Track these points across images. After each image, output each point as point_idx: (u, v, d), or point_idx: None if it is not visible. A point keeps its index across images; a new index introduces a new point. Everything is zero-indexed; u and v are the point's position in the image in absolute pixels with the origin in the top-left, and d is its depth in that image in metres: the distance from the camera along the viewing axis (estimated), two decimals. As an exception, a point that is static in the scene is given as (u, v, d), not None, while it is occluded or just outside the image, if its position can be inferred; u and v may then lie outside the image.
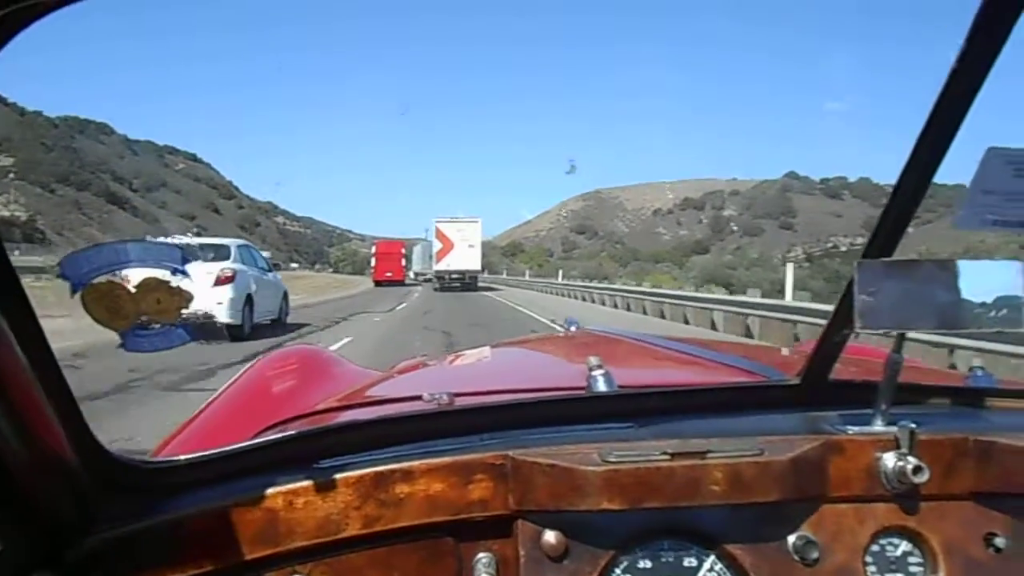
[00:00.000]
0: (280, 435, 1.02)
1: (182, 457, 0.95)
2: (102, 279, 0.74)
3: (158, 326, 0.78)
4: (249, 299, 13.01)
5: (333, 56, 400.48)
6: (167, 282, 0.77)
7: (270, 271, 15.87)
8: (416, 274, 62.97)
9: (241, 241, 15.60)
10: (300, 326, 15.95)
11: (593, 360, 1.21)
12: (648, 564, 0.96)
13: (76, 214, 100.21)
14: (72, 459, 0.79)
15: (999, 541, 0.99)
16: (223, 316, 11.90)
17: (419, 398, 1.22)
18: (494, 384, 1.51)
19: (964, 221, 0.94)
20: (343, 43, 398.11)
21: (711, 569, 0.97)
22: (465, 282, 46.39)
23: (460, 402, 1.18)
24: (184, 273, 0.77)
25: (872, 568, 0.99)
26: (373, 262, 54.61)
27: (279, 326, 14.87)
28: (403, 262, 57.07)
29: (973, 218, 0.94)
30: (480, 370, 2.14)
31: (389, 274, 53.30)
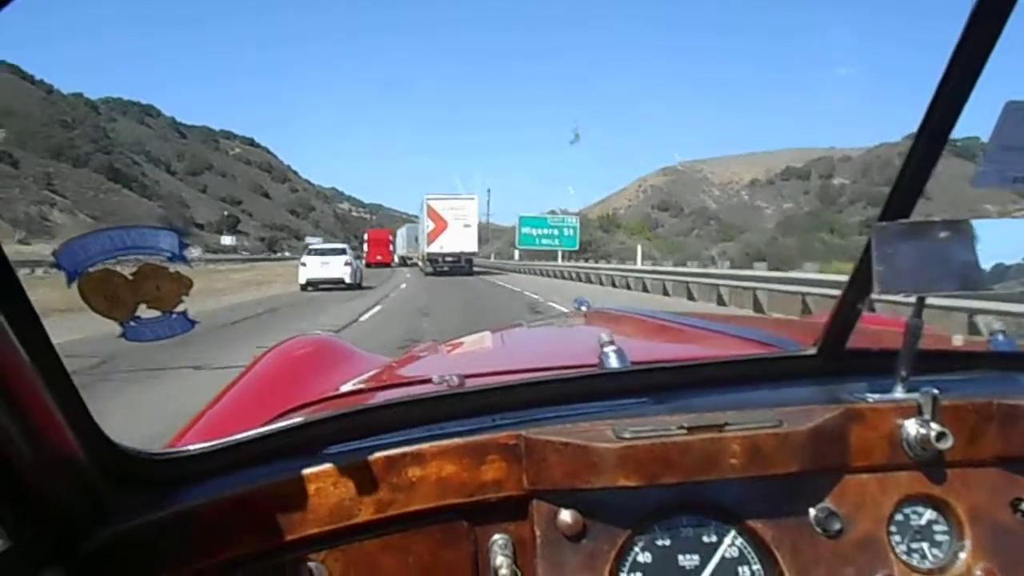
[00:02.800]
0: (290, 422, 1.00)
1: (192, 448, 0.94)
2: (99, 268, 0.71)
3: (160, 314, 0.76)
4: (355, 271, 28.21)
5: (415, 37, 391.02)
6: (166, 268, 0.74)
7: (358, 259, 32.82)
8: (401, 258, 62.87)
9: (346, 245, 32.68)
10: (370, 287, 28.56)
11: (604, 336, 1.18)
12: (667, 541, 0.95)
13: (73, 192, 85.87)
14: (79, 454, 0.78)
15: None
16: (348, 279, 26.98)
17: (429, 381, 1.20)
18: (505, 365, 1.48)
19: (984, 178, 0.91)
20: (424, 24, 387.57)
21: (731, 544, 0.95)
22: (460, 265, 43.22)
23: (471, 383, 1.15)
24: (183, 259, 0.75)
25: (896, 538, 0.97)
26: (366, 248, 58.46)
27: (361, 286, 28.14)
28: (391, 247, 63.92)
29: (993, 175, 0.91)
30: (491, 352, 2.10)
31: (379, 257, 59.20)
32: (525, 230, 53.66)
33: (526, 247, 54.68)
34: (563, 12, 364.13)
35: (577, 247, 52.83)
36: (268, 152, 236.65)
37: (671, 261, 36.37)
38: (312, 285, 26.46)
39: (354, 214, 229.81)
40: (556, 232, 52.84)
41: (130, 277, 0.73)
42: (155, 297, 0.74)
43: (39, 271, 17.26)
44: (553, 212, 58.55)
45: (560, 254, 50.68)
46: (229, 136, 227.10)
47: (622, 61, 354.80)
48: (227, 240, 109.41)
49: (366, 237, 66.61)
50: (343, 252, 28.97)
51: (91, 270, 0.71)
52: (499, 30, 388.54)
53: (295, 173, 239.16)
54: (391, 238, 67.67)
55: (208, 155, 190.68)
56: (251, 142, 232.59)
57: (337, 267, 27.26)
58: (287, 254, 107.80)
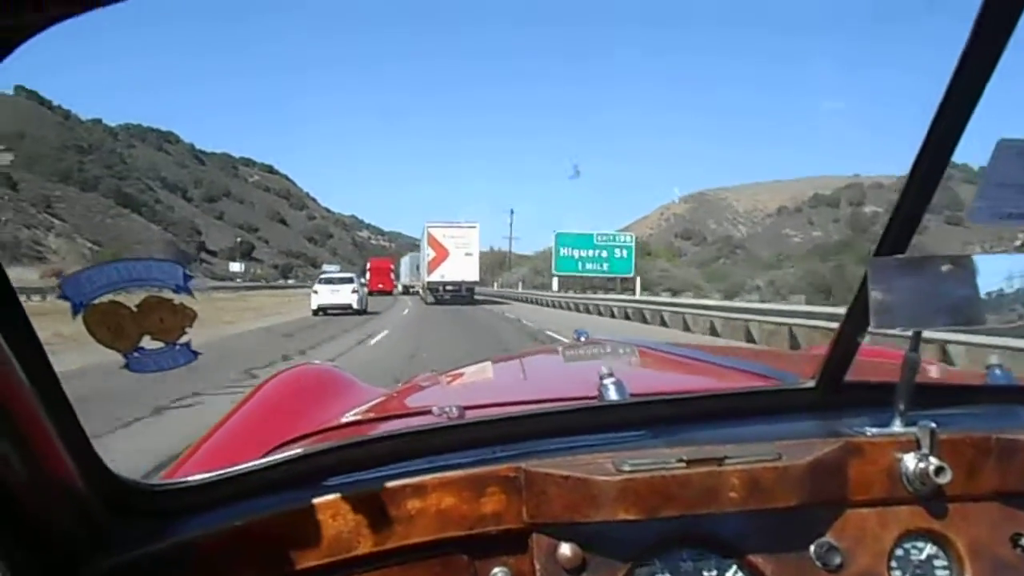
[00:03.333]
0: (289, 454, 0.99)
1: (191, 479, 0.94)
2: (104, 299, 0.72)
3: (163, 345, 0.76)
4: (361, 299, 30.69)
5: (438, 63, 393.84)
6: (170, 300, 0.75)
7: (363, 287, 35.00)
8: (405, 287, 62.95)
9: (353, 275, 35.00)
10: (376, 312, 30.71)
11: (604, 369, 1.18)
12: (667, 575, 0.94)
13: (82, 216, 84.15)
14: (79, 484, 0.78)
15: None
16: (355, 305, 29.21)
17: (429, 412, 1.20)
18: (504, 396, 1.48)
19: (978, 215, 0.92)
20: (447, 51, 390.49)
21: None
22: (461, 294, 42.30)
23: (470, 415, 1.15)
24: (188, 291, 0.76)
25: (897, 573, 0.96)
26: (367, 276, 57.92)
27: (366, 311, 30.20)
28: (392, 276, 64.81)
29: (987, 211, 0.92)
30: (490, 383, 2.11)
31: (380, 286, 59.11)
32: (564, 251, 44.19)
33: (566, 273, 44.75)
34: (581, 43, 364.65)
35: (632, 273, 43.16)
36: (287, 179, 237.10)
37: (720, 292, 33.81)
38: (323, 311, 28.84)
39: (373, 242, 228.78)
40: (604, 254, 43.79)
41: (135, 309, 0.74)
42: (159, 328, 0.75)
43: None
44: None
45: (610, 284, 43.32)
46: (249, 163, 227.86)
47: (639, 88, 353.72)
48: (236, 267, 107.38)
49: (368, 266, 67.12)
50: (351, 281, 31.84)
51: (96, 302, 0.71)
52: (525, 56, 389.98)
53: (314, 200, 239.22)
54: (392, 267, 68.90)
55: (226, 182, 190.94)
56: (270, 169, 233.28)
57: (346, 294, 29.86)
58: (290, 281, 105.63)
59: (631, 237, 47.79)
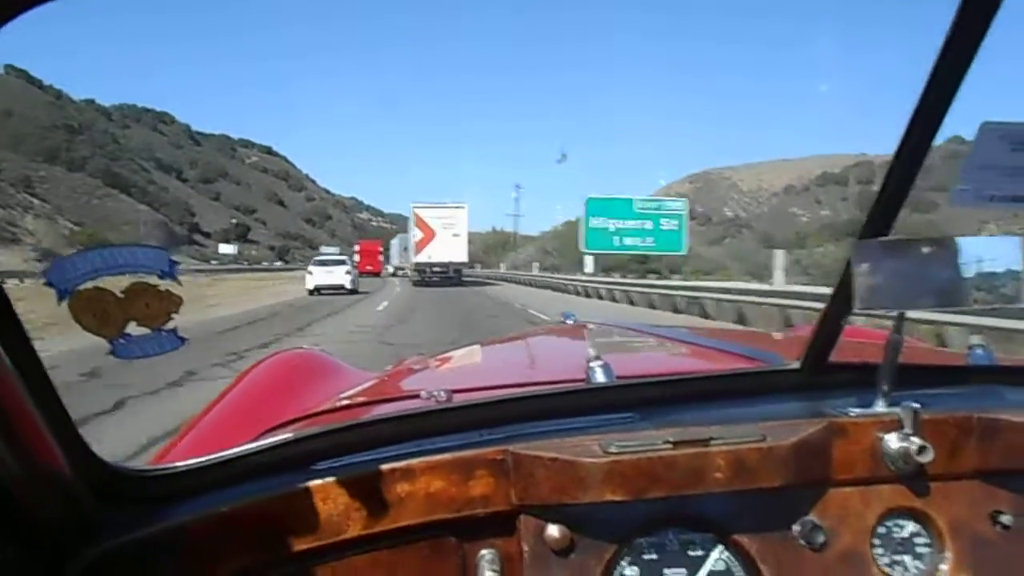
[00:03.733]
0: (277, 438, 1.00)
1: (179, 464, 0.94)
2: (89, 285, 0.72)
3: (149, 331, 0.76)
4: (354, 279, 32.47)
5: (441, 45, 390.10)
6: (155, 286, 0.75)
7: (356, 268, 37.08)
8: (395, 268, 61.75)
9: (346, 257, 37.13)
10: (366, 293, 31.34)
11: (591, 351, 1.20)
12: (654, 555, 0.95)
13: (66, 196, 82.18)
14: (67, 471, 0.78)
15: (1006, 519, 0.99)
16: (348, 285, 30.82)
17: (417, 396, 1.21)
18: (492, 379, 1.49)
19: (961, 197, 0.93)
20: (452, 33, 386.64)
21: (718, 558, 0.96)
22: (449, 276, 41.82)
23: (458, 398, 1.16)
24: (173, 276, 0.76)
25: (879, 550, 0.98)
26: (357, 259, 56.77)
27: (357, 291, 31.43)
28: (380, 258, 66.02)
29: (970, 194, 0.93)
30: (478, 366, 2.12)
31: (369, 267, 59.82)
32: (596, 222, 33.94)
33: (599, 251, 34.70)
34: (581, 26, 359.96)
35: (684, 250, 35.54)
36: (286, 161, 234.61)
37: (744, 274, 31.48)
38: (318, 291, 30.18)
39: (373, 223, 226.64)
40: (648, 225, 34.21)
41: (120, 295, 0.73)
42: (145, 314, 0.75)
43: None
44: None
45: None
46: (247, 144, 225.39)
47: (638, 71, 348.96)
48: (227, 249, 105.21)
49: (357, 248, 67.54)
50: (344, 263, 33.39)
51: (81, 288, 0.71)
52: (526, 40, 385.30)
53: (313, 182, 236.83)
54: (380, 249, 69.07)
55: (223, 163, 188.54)
56: (269, 151, 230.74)
57: (339, 275, 31.41)
58: (276, 264, 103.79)
59: (683, 203, 37.57)
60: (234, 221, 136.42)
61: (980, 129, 0.90)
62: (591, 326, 2.48)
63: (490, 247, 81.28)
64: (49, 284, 0.70)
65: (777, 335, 2.62)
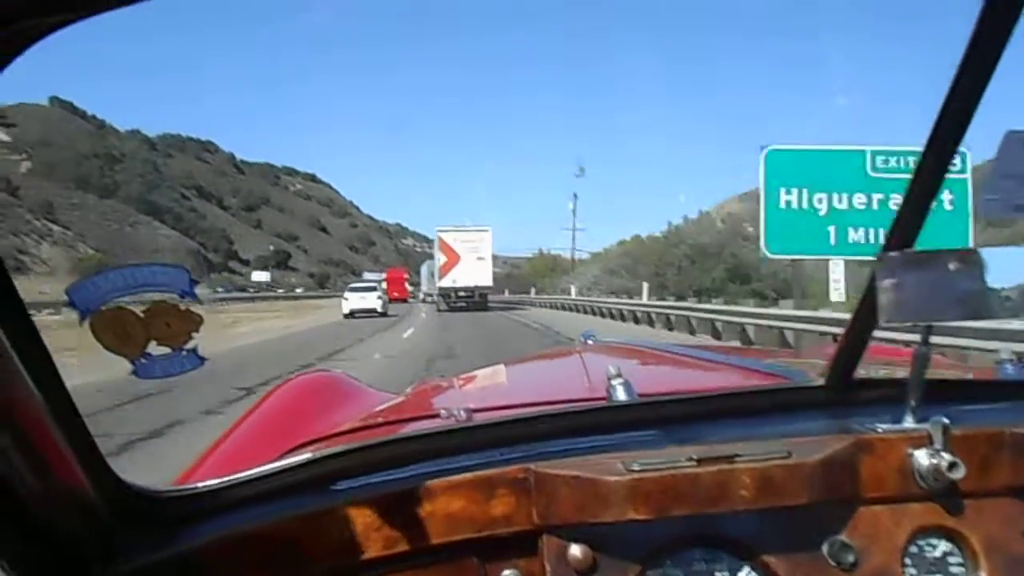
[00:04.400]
0: (298, 458, 0.99)
1: (200, 485, 0.94)
2: (111, 306, 0.72)
3: (170, 351, 0.76)
4: (384, 304, 36.63)
5: (486, 70, 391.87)
6: (176, 306, 0.75)
7: (386, 293, 41.08)
8: (425, 294, 61.99)
9: (377, 284, 43.69)
10: (396, 315, 35.09)
11: (612, 369, 1.19)
12: (679, 575, 0.94)
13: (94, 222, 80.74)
14: (88, 491, 0.78)
15: None
16: (380, 309, 35.19)
17: (437, 416, 1.20)
18: (512, 398, 1.50)
19: (987, 208, 0.92)
20: (497, 57, 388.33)
21: None
22: (475, 301, 41.41)
23: (479, 417, 1.15)
24: (194, 296, 0.76)
25: (911, 570, 0.95)
26: (385, 286, 58.72)
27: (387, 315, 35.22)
28: (406, 285, 68.02)
29: (996, 204, 0.92)
30: (498, 386, 2.11)
31: (396, 294, 60.88)
32: (787, 198, 14.22)
33: (796, 255, 15.62)
34: (598, 50, 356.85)
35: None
36: (330, 188, 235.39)
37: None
38: (353, 315, 34.08)
39: (418, 249, 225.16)
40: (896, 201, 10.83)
41: (141, 315, 0.74)
42: (166, 334, 0.75)
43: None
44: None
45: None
46: (291, 172, 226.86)
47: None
48: (260, 276, 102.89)
49: (384, 276, 70.52)
50: (375, 289, 37.95)
51: (103, 308, 0.72)
52: (562, 64, 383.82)
53: (356, 208, 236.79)
54: (406, 277, 71.55)
55: (267, 190, 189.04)
56: (313, 178, 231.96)
57: (372, 301, 35.81)
58: (298, 291, 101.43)
59: (965, 153, 12.73)
60: (272, 248, 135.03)
61: (1004, 138, 0.88)
62: (612, 345, 2.48)
63: (537, 272, 75.00)
64: (71, 305, 0.70)
65: (800, 352, 2.62)
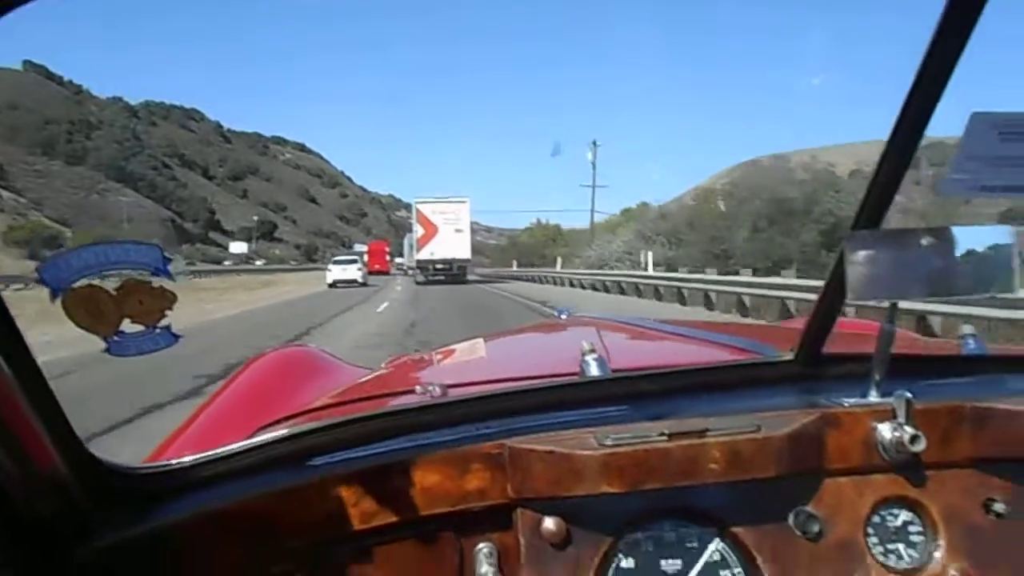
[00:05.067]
0: (272, 435, 1.00)
1: (175, 461, 0.94)
2: (83, 283, 0.71)
3: (143, 328, 0.76)
4: (364, 275, 40.50)
5: (482, 42, 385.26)
6: (149, 283, 0.74)
7: (365, 266, 44.65)
8: (405, 267, 60.68)
9: (357, 257, 46.98)
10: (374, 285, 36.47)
11: (585, 345, 1.20)
12: (650, 547, 0.96)
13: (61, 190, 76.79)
14: (62, 470, 0.78)
15: (999, 507, 0.99)
16: (360, 279, 38.59)
17: (412, 392, 1.21)
18: (487, 374, 1.51)
19: (948, 187, 0.94)
20: (504, 29, 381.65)
21: (714, 549, 0.97)
22: (453, 273, 40.32)
23: (453, 393, 1.17)
24: (167, 273, 0.75)
25: (873, 539, 0.99)
26: (366, 258, 58.83)
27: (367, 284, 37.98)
28: (387, 257, 67.56)
29: (958, 184, 0.93)
30: (472, 361, 2.11)
31: (377, 266, 61.76)
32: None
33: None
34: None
35: None
36: (320, 158, 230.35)
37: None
38: (336, 284, 37.25)
39: (411, 221, 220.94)
40: None
41: (114, 292, 0.73)
42: (139, 312, 0.74)
43: None
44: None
45: None
46: (280, 142, 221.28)
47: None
48: (238, 248, 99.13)
49: (366, 248, 70.58)
50: (356, 262, 41.44)
51: (75, 286, 0.71)
52: (573, 34, 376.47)
53: (348, 179, 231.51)
54: (387, 249, 70.66)
55: (255, 160, 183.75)
56: (303, 148, 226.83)
57: (352, 272, 39.07)
58: (288, 263, 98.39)
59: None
60: (255, 218, 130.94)
61: (970, 119, 0.90)
62: (585, 320, 2.49)
63: (536, 246, 65.58)
64: (42, 282, 0.69)
65: (771, 326, 2.69)
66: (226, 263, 79.72)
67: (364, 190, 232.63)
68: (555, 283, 37.78)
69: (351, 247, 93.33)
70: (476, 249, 56.91)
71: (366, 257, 61.05)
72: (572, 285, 34.47)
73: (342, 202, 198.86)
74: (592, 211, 52.99)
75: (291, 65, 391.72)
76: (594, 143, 53.62)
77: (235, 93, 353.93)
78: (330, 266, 40.34)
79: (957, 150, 0.91)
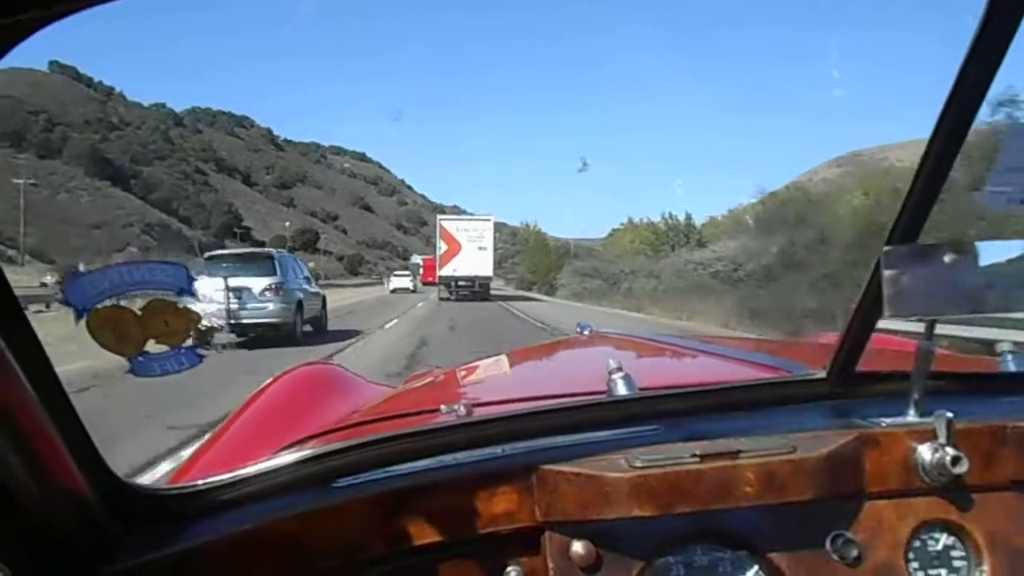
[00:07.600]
0: (298, 455, 0.98)
1: (199, 482, 0.93)
2: (107, 303, 0.71)
3: (168, 349, 0.76)
4: (416, 285, 60.29)
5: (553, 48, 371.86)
6: (174, 303, 0.74)
7: (417, 278, 63.41)
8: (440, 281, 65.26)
9: (411, 270, 72.50)
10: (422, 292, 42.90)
11: (612, 363, 1.17)
12: (682, 571, 0.93)
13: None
14: (86, 490, 0.78)
15: None
16: (412, 288, 56.53)
17: (436, 411, 1.19)
18: (512, 393, 1.48)
19: (990, 199, 0.92)
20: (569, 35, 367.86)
21: (747, 574, 0.94)
22: (475, 290, 40.34)
23: (479, 413, 1.14)
24: (192, 293, 0.76)
25: (914, 564, 0.95)
26: (421, 271, 68.76)
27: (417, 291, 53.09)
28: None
29: (999, 196, 0.91)
30: (496, 379, 2.09)
31: (430, 279, 65.24)
32: None
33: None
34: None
35: None
36: (380, 167, 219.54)
37: None
38: (395, 292, 50.07)
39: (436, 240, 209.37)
40: None
41: (139, 312, 0.73)
42: (163, 332, 0.74)
43: None
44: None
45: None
46: (338, 152, 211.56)
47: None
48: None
49: (421, 262, 76.50)
50: (410, 275, 57.43)
51: (100, 306, 0.71)
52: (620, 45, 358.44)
53: (409, 188, 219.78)
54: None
55: (307, 168, 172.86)
56: (362, 157, 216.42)
57: (406, 282, 54.90)
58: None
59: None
60: (288, 224, 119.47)
61: (1011, 131, 0.89)
62: (608, 336, 2.45)
63: (556, 266, 55.49)
64: (67, 303, 0.69)
65: (798, 343, 2.55)
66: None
67: (425, 199, 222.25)
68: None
69: (407, 258, 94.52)
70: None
71: (421, 270, 70.94)
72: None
73: (400, 210, 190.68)
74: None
75: (355, 73, 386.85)
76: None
77: (289, 102, 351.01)
78: (392, 277, 58.34)
79: (998, 161, 0.88)
